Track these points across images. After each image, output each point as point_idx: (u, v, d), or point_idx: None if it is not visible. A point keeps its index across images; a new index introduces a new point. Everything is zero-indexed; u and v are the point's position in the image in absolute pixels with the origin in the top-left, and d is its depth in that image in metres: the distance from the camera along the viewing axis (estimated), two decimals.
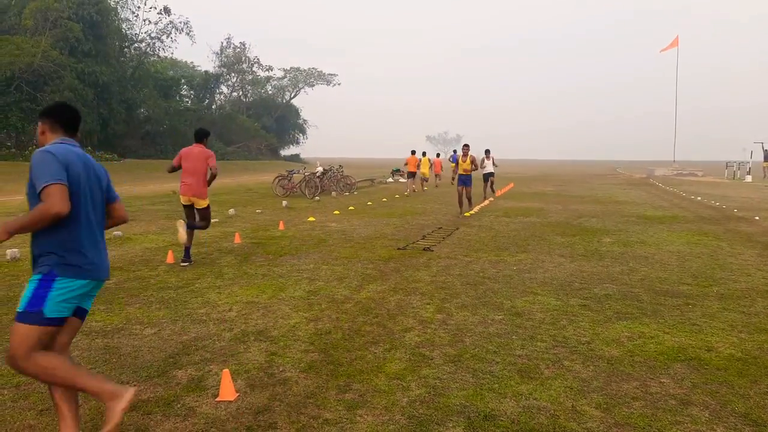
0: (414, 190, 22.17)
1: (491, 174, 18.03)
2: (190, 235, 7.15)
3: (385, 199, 18.22)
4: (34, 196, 2.53)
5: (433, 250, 8.30)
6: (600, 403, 3.26)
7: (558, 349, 4.13)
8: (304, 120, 71.06)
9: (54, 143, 2.67)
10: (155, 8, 44.66)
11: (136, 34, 45.25)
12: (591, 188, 25.80)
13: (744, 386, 3.49)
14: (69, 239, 2.60)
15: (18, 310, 2.62)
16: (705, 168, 52.30)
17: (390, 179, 31.87)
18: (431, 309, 5.17)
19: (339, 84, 70.34)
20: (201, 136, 7.37)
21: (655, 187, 27.62)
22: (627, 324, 4.75)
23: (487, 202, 17.01)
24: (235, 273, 6.66)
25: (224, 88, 61.73)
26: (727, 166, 39.75)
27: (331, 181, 20.89)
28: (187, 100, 56.72)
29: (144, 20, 59.32)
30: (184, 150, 7.35)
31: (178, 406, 3.20)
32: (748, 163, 36.12)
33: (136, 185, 24.05)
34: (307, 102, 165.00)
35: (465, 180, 13.38)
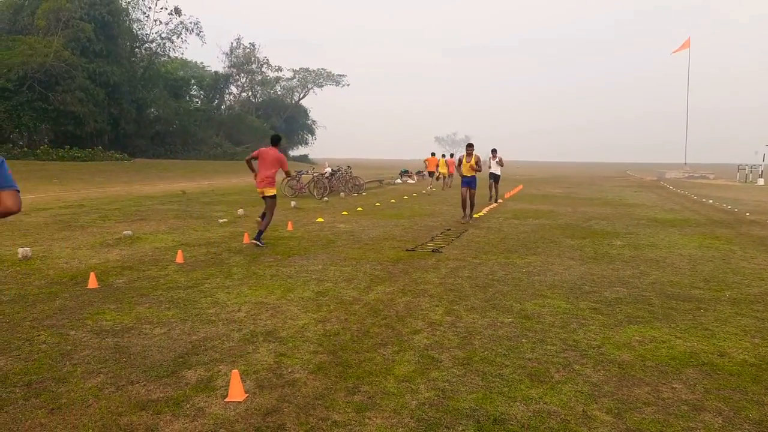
0: (433, 188, 24.30)
1: (497, 176, 17.61)
2: (264, 221, 8.93)
3: (393, 200, 18.20)
4: None
5: (441, 252, 8.27)
6: (611, 408, 3.23)
7: (568, 353, 4.10)
8: (313, 120, 71.27)
9: None
10: (166, 9, 45.09)
11: (146, 34, 45.60)
12: (601, 190, 25.64)
13: (758, 393, 3.45)
14: None
15: None
16: (717, 171, 51.82)
17: (398, 180, 31.85)
18: (440, 311, 5.15)
19: (348, 85, 70.49)
20: (276, 141, 9.10)
21: (666, 189, 27.41)
22: (638, 328, 4.70)
23: (494, 204, 16.66)
24: (244, 273, 6.67)
25: (234, 89, 62.07)
26: (739, 169, 39.39)
27: (339, 181, 20.90)
28: (196, 100, 57.06)
29: (155, 21, 59.69)
30: (261, 149, 9.03)
31: (188, 406, 3.20)
32: (761, 166, 35.77)
33: (146, 185, 24.21)
34: (315, 103, 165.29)
35: (469, 181, 12.48)
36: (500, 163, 17.78)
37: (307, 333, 4.49)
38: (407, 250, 8.43)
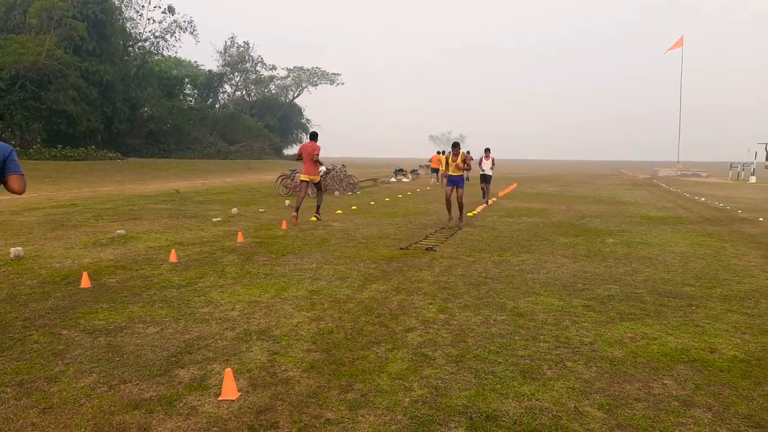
0: (437, 183, 25.82)
1: (488, 176, 17.06)
2: (318, 198, 12.02)
3: (388, 199, 18.22)
4: None
5: (435, 250, 8.29)
6: (602, 404, 3.26)
7: (560, 350, 4.12)
8: (308, 119, 71.17)
9: None
10: (159, 7, 44.83)
11: (140, 33, 45.38)
12: (594, 189, 25.75)
13: (747, 388, 3.48)
14: None
15: None
16: (709, 169, 52.12)
17: (393, 179, 31.87)
18: (434, 309, 5.17)
19: (343, 83, 70.39)
20: (314, 137, 11.64)
21: (659, 187, 27.55)
22: (630, 325, 4.73)
23: (481, 207, 15.59)
24: (238, 272, 6.67)
25: (228, 87, 61.90)
26: (731, 167, 39.64)
27: (334, 180, 20.90)
28: (190, 99, 56.83)
29: (148, 19, 59.45)
30: (303, 145, 11.49)
31: (181, 405, 3.20)
32: (753, 164, 36.02)
33: (140, 184, 24.12)
34: (310, 101, 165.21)
35: (456, 181, 11.34)
36: (492, 164, 17.36)
37: (301, 331, 4.50)
38: (401, 248, 8.45)
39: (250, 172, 39.15)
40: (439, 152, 28.75)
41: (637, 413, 3.14)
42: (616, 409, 3.20)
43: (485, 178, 16.93)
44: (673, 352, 4.09)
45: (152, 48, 46.05)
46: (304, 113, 70.84)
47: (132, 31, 44.49)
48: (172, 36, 45.83)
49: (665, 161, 76.29)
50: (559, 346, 4.19)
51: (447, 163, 11.41)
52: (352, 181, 21.67)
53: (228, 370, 3.41)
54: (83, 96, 33.83)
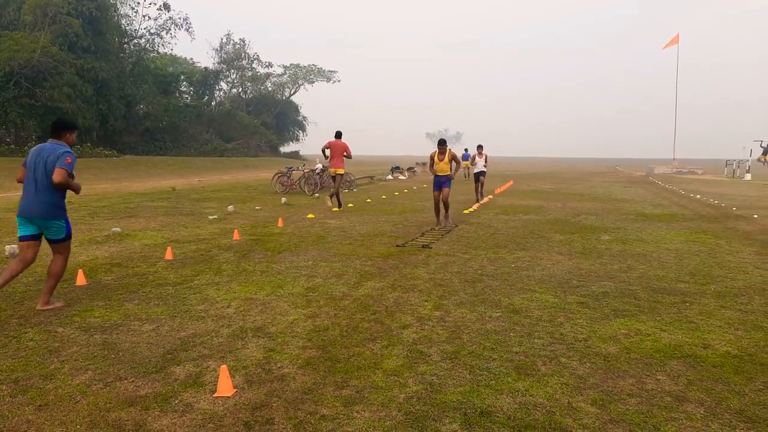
0: None
1: (482, 173, 16.48)
2: (335, 199, 13.54)
3: (384, 197, 18.23)
4: None
5: (431, 248, 8.31)
6: (596, 399, 3.28)
7: (555, 346, 4.14)
8: (304, 117, 70.99)
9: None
10: (155, 4, 44.58)
11: (135, 30, 45.16)
12: (590, 186, 25.81)
13: (740, 383, 3.51)
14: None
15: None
16: (705, 166, 52.30)
17: (390, 176, 31.87)
18: (429, 306, 5.18)
19: (339, 81, 70.20)
20: (339, 135, 13.27)
21: (655, 185, 27.63)
22: (624, 321, 4.76)
23: (485, 200, 16.44)
24: (234, 270, 6.67)
25: (224, 85, 61.66)
26: (726, 164, 39.78)
27: (330, 178, 20.88)
28: (186, 96, 56.62)
29: (143, 16, 59.39)
30: (330, 141, 13.12)
31: (176, 401, 3.21)
32: (748, 161, 36.15)
33: (136, 182, 24.06)
34: (306, 98, 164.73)
35: (443, 182, 10.55)
36: (486, 161, 16.72)
37: (297, 328, 4.51)
38: (397, 245, 8.46)
39: (247, 169, 39.09)
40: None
41: (630, 408, 3.17)
42: (609, 404, 3.22)
43: (481, 175, 16.49)
44: (667, 348, 4.12)
45: (147, 45, 45.85)
46: (300, 110, 70.68)
47: (127, 28, 44.28)
48: (167, 33, 45.65)
49: (662, 158, 76.51)
50: (553, 343, 4.22)
51: (432, 162, 10.66)
52: (348, 179, 21.65)
53: (223, 366, 3.42)
54: (78, 93, 33.68)
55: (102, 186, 21.36)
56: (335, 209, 13.56)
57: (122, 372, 3.61)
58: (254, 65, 61.12)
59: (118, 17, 42.14)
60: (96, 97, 36.05)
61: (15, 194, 16.75)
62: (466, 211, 13.55)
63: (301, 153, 68.95)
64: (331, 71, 69.58)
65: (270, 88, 67.96)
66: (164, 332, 4.39)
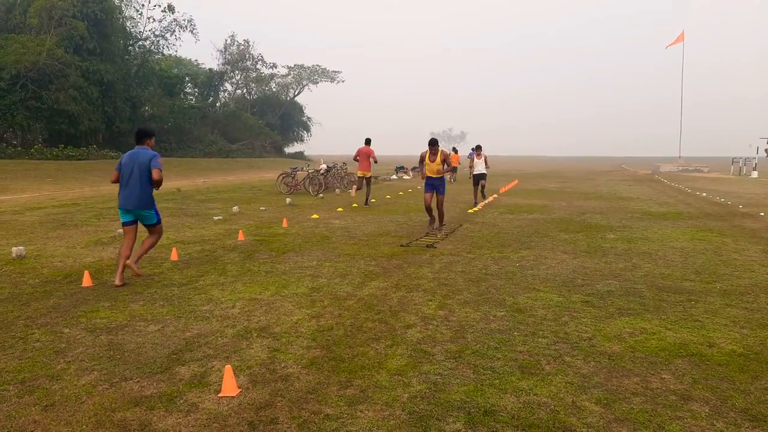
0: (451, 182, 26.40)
1: (483, 176, 15.37)
2: (367, 191, 14.91)
3: (388, 196, 18.23)
4: None
5: (436, 247, 8.31)
6: (600, 398, 3.27)
7: (559, 345, 4.14)
8: (308, 117, 71.04)
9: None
10: (159, 6, 44.70)
11: (140, 32, 45.32)
12: (596, 185, 25.72)
13: (745, 382, 3.49)
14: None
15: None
16: (711, 164, 52.03)
17: (394, 176, 31.86)
18: (433, 305, 5.19)
19: (343, 81, 70.23)
20: (368, 142, 14.88)
21: (660, 183, 27.51)
22: (629, 320, 4.75)
23: (481, 205, 14.81)
24: (239, 270, 6.69)
25: (228, 86, 61.76)
26: (732, 162, 39.55)
27: (334, 178, 20.91)
28: (191, 97, 56.77)
29: (148, 18, 59.35)
30: (360, 148, 14.76)
31: (181, 401, 3.23)
32: (754, 158, 35.93)
33: None
34: (311, 99, 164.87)
35: (436, 185, 10.03)
36: (486, 162, 15.54)
37: (301, 328, 4.52)
38: (402, 245, 8.46)
39: (251, 170, 39.17)
40: (454, 149, 31.16)
41: (634, 407, 3.16)
42: (613, 403, 3.21)
43: (481, 177, 15.38)
44: (672, 347, 4.11)
45: (152, 47, 46.01)
46: (305, 111, 70.75)
47: (132, 30, 44.44)
48: (172, 35, 45.79)
49: (667, 157, 76.14)
50: (557, 342, 4.21)
51: (422, 163, 10.06)
52: (352, 179, 21.66)
53: (228, 366, 3.44)
54: (84, 95, 33.83)
55: (108, 187, 21.45)
56: (354, 205, 14.28)
57: (128, 372, 3.63)
58: (258, 66, 61.22)
59: (123, 19, 42.30)
60: (101, 99, 36.21)
61: (22, 196, 16.88)
62: (470, 211, 13.53)
63: (305, 153, 69.03)
64: (335, 71, 69.63)
65: (274, 89, 68.07)
66: (169, 333, 4.41)
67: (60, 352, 4.00)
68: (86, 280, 5.96)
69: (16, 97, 31.03)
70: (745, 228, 10.61)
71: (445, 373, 3.64)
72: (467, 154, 21.75)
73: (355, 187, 15.56)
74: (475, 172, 15.47)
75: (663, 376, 3.59)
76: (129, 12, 43.35)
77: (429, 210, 10.24)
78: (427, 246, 8.39)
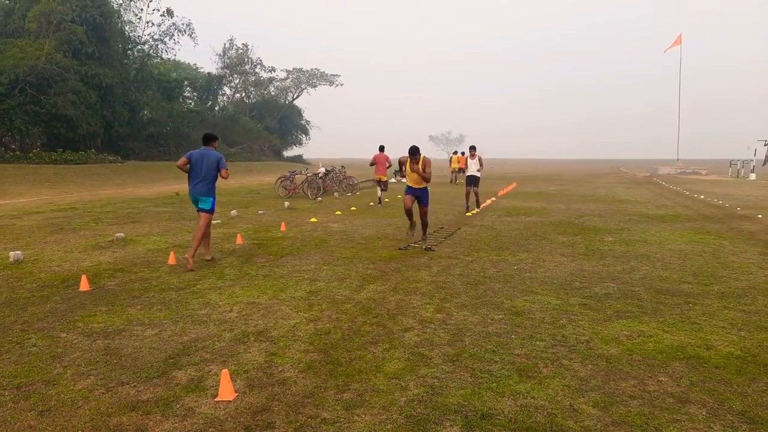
0: (460, 181, 27.74)
1: (476, 180, 14.22)
2: (382, 193, 16.20)
3: (387, 200, 18.22)
4: None
5: (434, 250, 8.30)
6: (598, 401, 3.27)
7: (557, 348, 4.13)
8: (307, 121, 71.11)
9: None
10: (158, 10, 44.73)
11: (139, 36, 45.37)
12: (594, 187, 25.74)
13: (742, 384, 3.49)
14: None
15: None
16: (709, 166, 52.12)
17: (392, 179, 31.87)
18: (431, 309, 5.18)
19: (342, 84, 70.30)
20: (383, 148, 16.35)
21: (659, 185, 27.54)
22: (627, 323, 4.75)
23: (477, 210, 14.24)
24: (237, 274, 6.68)
25: (227, 90, 61.85)
26: (731, 164, 39.61)
27: (333, 181, 20.91)
28: (190, 101, 56.80)
29: (147, 22, 59.41)
30: (375, 155, 16.20)
31: (178, 406, 3.22)
32: (752, 161, 36.00)
33: (139, 187, 24.14)
34: (309, 102, 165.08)
35: (418, 195, 8.76)
36: (480, 164, 14.41)
37: (299, 332, 4.51)
38: (400, 248, 8.46)
39: (250, 173, 39.17)
40: (455, 152, 31.61)
41: (632, 410, 3.16)
42: (611, 406, 3.21)
43: (472, 181, 14.27)
44: (669, 349, 4.11)
45: (151, 51, 46.04)
46: (303, 114, 70.82)
47: (131, 34, 44.48)
48: (170, 39, 45.84)
49: (666, 159, 76.29)
50: (555, 345, 4.21)
51: (400, 169, 9.08)
52: (351, 182, 21.67)
53: (225, 371, 3.43)
54: (83, 100, 33.83)
55: (106, 192, 21.45)
56: (353, 208, 14.53)
57: (124, 377, 3.62)
58: (257, 70, 61.33)
59: (121, 24, 42.35)
60: (100, 104, 36.21)
61: (20, 201, 16.86)
62: (468, 214, 13.53)
63: (304, 157, 69.05)
64: (334, 75, 69.72)
65: (273, 93, 68.16)
66: (166, 337, 4.41)
67: (56, 356, 3.99)
68: (84, 285, 5.95)
69: (14, 102, 31.03)
70: (742, 230, 10.62)
71: (443, 376, 3.63)
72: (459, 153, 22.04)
73: (379, 188, 16.72)
74: (468, 174, 14.39)
75: (660, 379, 3.59)
76: (128, 16, 43.42)
77: (409, 214, 8.91)
78: (425, 249, 8.39)
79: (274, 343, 4.25)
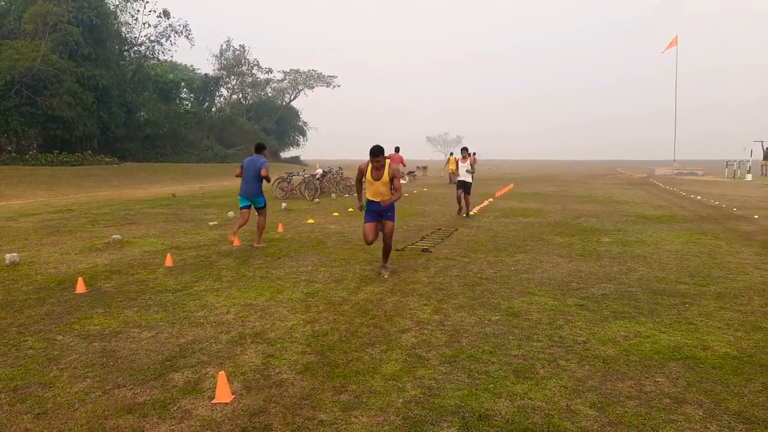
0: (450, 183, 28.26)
1: (468, 186, 12.97)
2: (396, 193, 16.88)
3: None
4: None
5: (431, 251, 8.31)
6: (594, 402, 3.27)
7: (554, 349, 4.14)
8: (304, 122, 71.08)
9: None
10: (154, 11, 44.64)
11: (135, 37, 45.29)
12: (591, 188, 25.79)
13: (738, 384, 3.50)
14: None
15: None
16: (705, 167, 52.29)
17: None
18: (428, 310, 5.18)
19: (339, 86, 70.34)
20: (398, 149, 21.58)
21: (655, 186, 27.61)
22: (623, 323, 4.76)
23: (478, 208, 14.21)
24: (234, 275, 6.67)
25: (224, 91, 61.77)
26: (727, 165, 39.74)
27: (330, 182, 20.90)
28: (187, 103, 56.73)
29: (143, 24, 59.53)
30: (390, 154, 18.65)
31: (174, 408, 3.21)
32: (748, 161, 36.12)
33: (136, 189, 24.09)
34: (306, 103, 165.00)
35: (381, 211, 6.72)
36: (471, 167, 13.15)
37: (296, 334, 4.51)
38: (397, 250, 8.46)
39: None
40: (452, 153, 31.72)
41: (628, 411, 3.16)
42: (607, 407, 3.21)
43: (463, 186, 13.02)
44: (666, 350, 4.12)
45: (148, 52, 45.96)
46: (300, 116, 70.78)
47: (127, 35, 44.40)
48: (167, 40, 45.76)
49: (662, 160, 76.53)
50: (552, 345, 4.21)
51: (360, 181, 6.90)
52: (348, 184, 21.67)
53: (221, 373, 3.43)
54: (79, 101, 33.75)
55: (103, 193, 21.40)
56: (350, 210, 14.69)
57: (121, 379, 3.61)
58: (254, 71, 61.29)
59: (118, 25, 42.28)
60: (96, 105, 36.13)
61: (16, 203, 16.80)
62: (465, 213, 13.53)
63: (301, 158, 69.01)
64: (331, 76, 69.76)
65: (270, 94, 68.12)
66: (163, 339, 4.40)
67: (53, 359, 3.97)
68: (80, 287, 5.93)
69: (10, 103, 30.94)
70: (739, 231, 10.65)
71: (440, 377, 3.63)
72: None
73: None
74: (459, 179, 13.12)
75: (657, 379, 3.60)
76: (124, 17, 43.34)
77: (369, 239, 6.79)
78: (422, 250, 8.40)
79: (271, 345, 4.25)
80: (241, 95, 63.63)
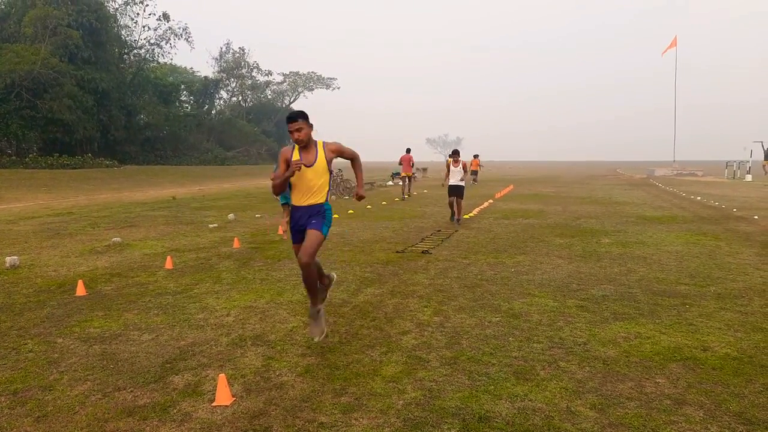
0: (475, 182, 30.41)
1: (460, 190, 11.93)
2: (410, 187, 19.45)
3: (384, 203, 18.23)
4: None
5: (431, 253, 8.31)
6: (595, 403, 3.27)
7: (554, 350, 4.14)
8: None
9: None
10: (154, 14, 44.83)
11: (135, 40, 45.43)
12: (591, 189, 25.80)
13: (739, 385, 3.50)
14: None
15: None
16: (705, 168, 52.31)
17: (390, 182, 31.90)
18: (428, 312, 5.18)
19: (338, 88, 70.51)
20: (409, 150, 20.79)
21: (655, 187, 27.62)
22: (623, 324, 4.76)
23: (477, 210, 13.84)
24: (234, 278, 6.67)
25: (224, 93, 61.96)
26: (727, 165, 39.76)
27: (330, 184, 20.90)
28: (186, 105, 56.85)
29: (143, 27, 59.56)
30: (402, 155, 20.58)
31: (174, 411, 3.21)
32: (748, 162, 36.14)
33: (136, 191, 24.10)
34: (306, 106, 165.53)
35: (303, 222, 4.34)
36: (465, 171, 12.14)
37: (296, 336, 4.51)
38: (397, 251, 8.46)
39: (247, 177, 39.17)
40: (476, 155, 33.14)
41: (629, 412, 3.16)
42: (608, 408, 3.21)
43: (456, 191, 11.94)
44: (666, 351, 4.11)
45: (147, 55, 46.14)
46: None
47: (127, 38, 44.56)
48: (167, 43, 45.95)
49: (662, 161, 76.55)
50: (552, 347, 4.21)
51: (282, 184, 4.29)
52: (348, 186, 21.67)
53: (222, 375, 3.42)
54: (79, 104, 33.82)
55: (103, 196, 21.41)
56: (350, 212, 14.81)
57: (121, 382, 3.61)
58: (254, 73, 61.43)
59: (118, 28, 42.42)
60: (96, 108, 36.20)
61: (17, 206, 16.81)
62: (465, 216, 13.54)
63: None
64: (331, 78, 69.98)
65: (270, 96, 68.29)
66: (163, 341, 4.40)
67: (53, 362, 3.97)
68: (80, 290, 5.93)
69: (10, 107, 30.99)
70: (739, 231, 10.65)
71: (440, 379, 3.63)
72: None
73: (401, 183, 20.43)
74: (450, 183, 12.02)
75: (657, 381, 3.60)
76: (124, 21, 43.48)
77: (312, 288, 4.44)
78: (422, 252, 8.40)
79: (272, 347, 4.24)
80: (240, 98, 63.78)
